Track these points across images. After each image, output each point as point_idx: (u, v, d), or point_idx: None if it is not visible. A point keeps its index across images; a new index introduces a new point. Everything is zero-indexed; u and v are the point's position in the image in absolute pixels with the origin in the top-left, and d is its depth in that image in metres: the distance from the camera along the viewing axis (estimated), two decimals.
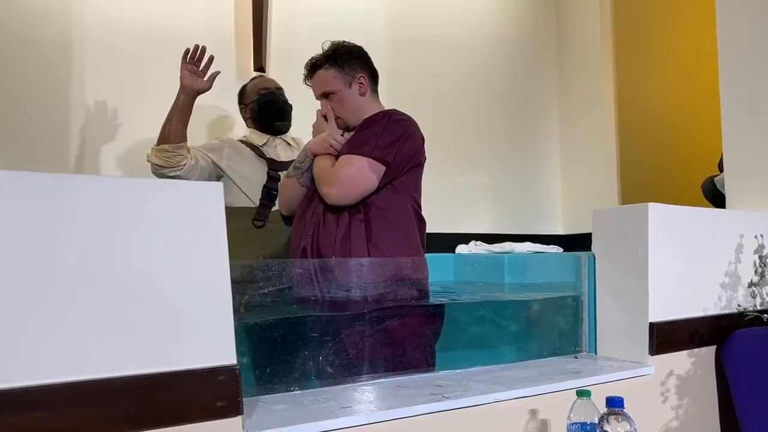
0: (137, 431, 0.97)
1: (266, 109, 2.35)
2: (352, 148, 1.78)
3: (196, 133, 2.78)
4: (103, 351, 0.96)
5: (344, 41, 1.94)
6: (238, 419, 1.07)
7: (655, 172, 4.01)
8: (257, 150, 2.32)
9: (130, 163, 2.65)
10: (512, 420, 1.41)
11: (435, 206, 3.12)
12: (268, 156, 2.31)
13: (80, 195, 0.97)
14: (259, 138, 2.36)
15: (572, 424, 1.25)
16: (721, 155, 2.96)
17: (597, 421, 1.20)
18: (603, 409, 1.21)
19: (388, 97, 3.26)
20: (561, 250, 3.08)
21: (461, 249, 2.83)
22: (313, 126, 1.95)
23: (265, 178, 2.26)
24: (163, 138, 2.15)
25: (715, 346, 1.84)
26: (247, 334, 1.42)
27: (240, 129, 2.86)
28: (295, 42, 3.06)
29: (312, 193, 1.87)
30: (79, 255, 0.95)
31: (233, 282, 1.09)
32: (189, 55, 2.16)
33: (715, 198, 3.22)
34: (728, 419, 1.82)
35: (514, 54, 3.89)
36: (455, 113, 3.56)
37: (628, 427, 1.16)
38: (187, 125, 2.19)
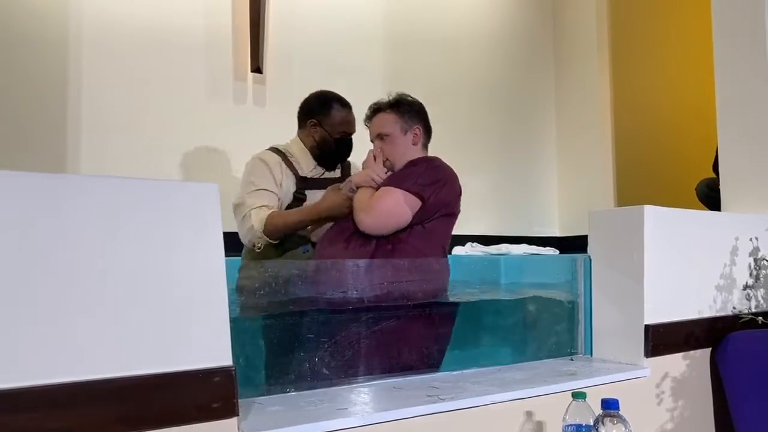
0: None
1: (338, 153, 2.18)
2: (391, 181, 1.86)
3: (192, 131, 2.79)
4: (98, 352, 0.96)
5: (408, 95, 2.05)
6: (233, 420, 1.07)
7: (651, 175, 4.03)
8: (291, 165, 2.14)
9: (127, 162, 2.65)
10: (508, 422, 1.41)
11: None
12: (300, 174, 2.15)
13: (76, 195, 0.96)
14: (305, 159, 2.17)
15: (568, 425, 1.25)
16: (715, 157, 2.98)
17: (592, 423, 1.21)
18: (598, 411, 1.21)
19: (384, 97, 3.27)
20: (557, 252, 3.09)
21: (458, 250, 2.84)
22: (363, 162, 2.02)
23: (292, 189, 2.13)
24: (275, 230, 1.97)
25: (710, 348, 1.85)
26: (243, 335, 1.42)
27: (234, 131, 2.86)
28: (293, 42, 3.06)
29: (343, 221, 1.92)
30: (75, 255, 0.95)
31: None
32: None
33: (710, 200, 3.24)
34: (723, 421, 1.82)
35: (511, 56, 3.89)
36: (452, 115, 3.56)
37: (624, 429, 1.16)
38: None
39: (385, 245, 1.81)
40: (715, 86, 2.33)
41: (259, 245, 1.96)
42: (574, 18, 4.00)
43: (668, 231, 1.77)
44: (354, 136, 2.20)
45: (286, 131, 2.69)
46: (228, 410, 1.06)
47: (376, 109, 2.00)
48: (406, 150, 1.97)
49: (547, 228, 3.93)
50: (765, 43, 2.15)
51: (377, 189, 1.86)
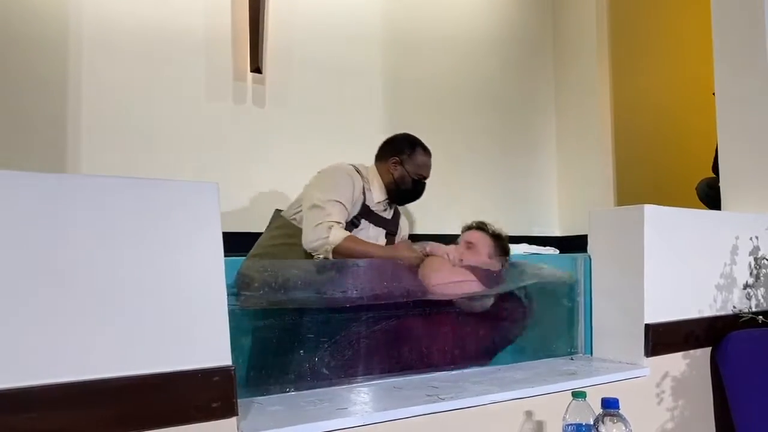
0: None
1: (412, 193, 2.32)
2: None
3: (191, 131, 2.79)
4: (97, 352, 0.96)
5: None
6: (233, 420, 1.06)
7: (651, 174, 4.03)
8: (364, 192, 2.22)
9: (127, 162, 2.65)
10: (508, 421, 1.41)
11: (431, 208, 3.13)
12: (367, 203, 2.22)
13: (75, 194, 0.96)
14: (377, 191, 2.26)
15: (568, 425, 1.25)
16: (715, 157, 2.98)
17: (592, 423, 1.20)
18: (598, 411, 1.21)
19: (384, 98, 3.28)
20: (557, 251, 3.09)
21: None
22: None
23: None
24: (347, 253, 1.98)
25: (711, 347, 1.85)
26: (243, 335, 1.42)
27: (234, 131, 2.86)
28: (292, 42, 3.06)
29: None
30: (74, 255, 0.95)
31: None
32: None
33: (710, 199, 3.24)
34: (723, 420, 1.82)
35: (511, 56, 3.89)
36: (451, 115, 3.56)
37: (624, 428, 1.16)
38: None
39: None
40: (714, 87, 2.33)
41: (322, 256, 1.98)
42: (574, 17, 4.00)
43: (668, 230, 1.77)
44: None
45: (285, 130, 2.69)
46: (227, 410, 1.06)
47: (479, 227, 2.04)
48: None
49: (547, 228, 3.93)
50: (765, 42, 2.15)
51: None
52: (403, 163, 2.27)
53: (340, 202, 2.05)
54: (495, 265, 1.97)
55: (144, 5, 2.73)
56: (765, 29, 2.15)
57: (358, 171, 2.20)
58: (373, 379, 1.53)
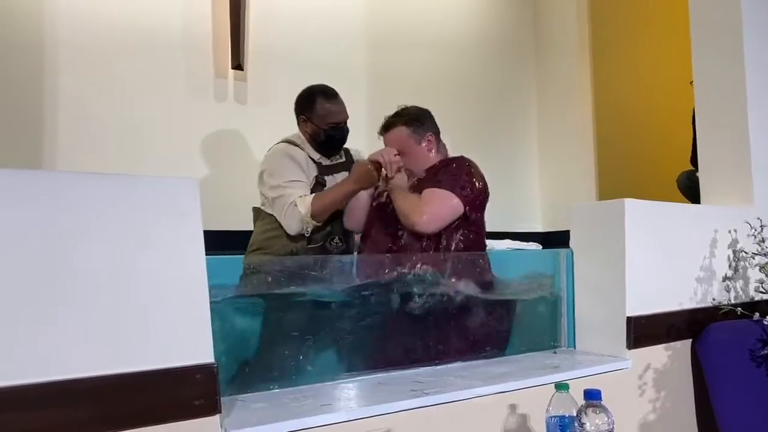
0: (114, 431, 0.95)
1: (330, 142, 2.27)
2: (434, 184, 1.96)
3: (172, 128, 2.76)
4: (76, 350, 0.94)
5: (411, 106, 2.16)
6: (216, 418, 1.06)
7: (633, 169, 4.07)
8: (310, 156, 2.28)
9: (107, 161, 2.61)
10: (492, 415, 1.41)
11: None
12: (323, 163, 2.29)
13: (49, 191, 0.95)
14: (311, 151, 2.29)
15: (551, 417, 1.26)
16: (693, 149, 3.03)
17: (575, 414, 1.21)
18: (581, 403, 1.22)
19: (367, 96, 3.27)
20: (540, 247, 3.11)
21: None
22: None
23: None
24: (323, 210, 2.09)
25: (691, 339, 1.87)
26: (225, 331, 1.41)
27: (215, 128, 2.84)
28: (274, 39, 3.04)
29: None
30: (50, 252, 0.93)
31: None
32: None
33: (690, 191, 3.27)
34: (704, 410, 1.84)
35: (493, 53, 3.91)
36: (433, 112, 3.55)
37: (606, 419, 1.17)
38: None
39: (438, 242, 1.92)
40: (693, 81, 2.36)
41: (308, 230, 2.09)
42: (555, 16, 4.02)
43: (649, 224, 1.79)
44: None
45: (267, 128, 2.67)
46: (210, 407, 1.05)
47: (386, 127, 2.10)
48: (425, 159, 2.08)
49: (529, 224, 3.95)
50: (741, 38, 2.18)
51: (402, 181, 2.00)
52: (310, 119, 2.24)
53: (293, 180, 2.14)
54: (431, 143, 2.07)
55: (123, 2, 2.69)
56: (742, 24, 2.17)
57: (291, 142, 2.25)
58: (358, 376, 1.53)
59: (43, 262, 0.93)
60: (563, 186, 3.91)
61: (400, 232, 1.97)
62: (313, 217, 2.07)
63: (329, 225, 2.18)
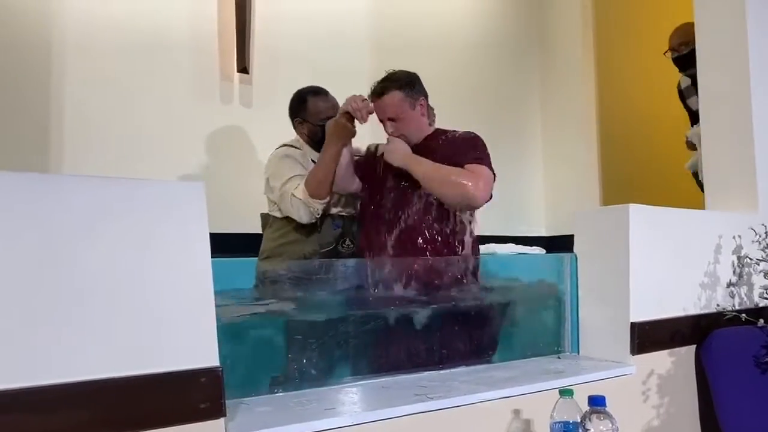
0: None
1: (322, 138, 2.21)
2: (467, 158, 1.97)
3: (178, 131, 2.77)
4: (83, 353, 0.95)
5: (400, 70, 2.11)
6: (221, 421, 1.06)
7: (637, 172, 4.06)
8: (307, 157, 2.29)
9: (113, 164, 2.62)
10: (496, 420, 1.41)
11: None
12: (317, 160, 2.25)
13: (58, 195, 0.95)
14: (311, 153, 2.29)
15: (555, 423, 1.26)
16: (686, 135, 3.10)
17: (579, 420, 1.21)
18: (585, 408, 1.22)
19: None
20: (544, 251, 3.10)
21: None
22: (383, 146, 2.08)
23: None
24: (316, 185, 2.06)
25: (695, 345, 1.86)
26: (231, 335, 1.41)
27: (221, 131, 2.85)
28: (279, 42, 3.05)
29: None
30: (57, 256, 0.94)
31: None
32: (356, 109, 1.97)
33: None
34: (708, 417, 1.84)
35: (497, 56, 3.91)
36: (437, 115, 3.56)
37: (610, 425, 1.17)
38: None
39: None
40: (698, 85, 2.36)
41: (318, 211, 2.08)
42: (559, 18, 4.02)
43: (653, 229, 1.79)
44: None
45: (272, 131, 2.68)
46: (215, 411, 1.05)
47: (379, 92, 2.03)
48: (420, 124, 2.07)
49: (533, 227, 3.95)
50: (746, 43, 2.17)
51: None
52: (305, 119, 2.27)
53: (292, 177, 2.13)
54: (423, 107, 2.06)
55: (129, 5, 2.71)
56: (747, 29, 2.17)
57: (289, 145, 2.27)
58: (362, 379, 1.53)
59: (49, 265, 0.93)
60: (567, 190, 3.91)
61: (406, 212, 1.95)
62: (313, 196, 2.05)
63: (341, 228, 2.18)
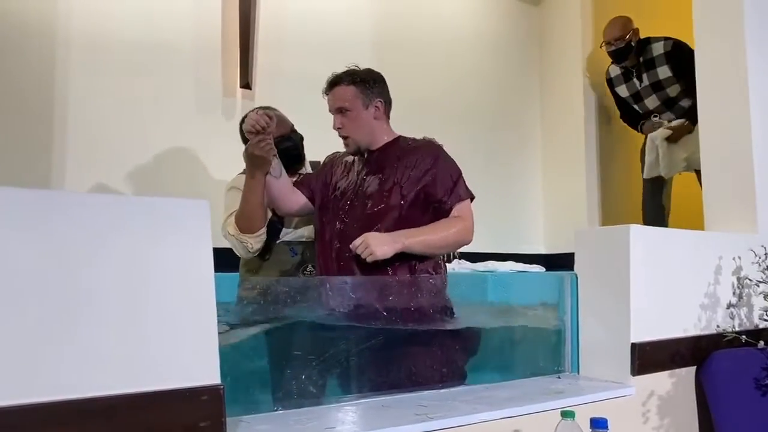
0: None
1: (283, 156, 2.06)
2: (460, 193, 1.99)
3: (181, 147, 2.78)
4: (83, 370, 0.95)
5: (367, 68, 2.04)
6: None
7: (637, 191, 4.07)
8: None
9: (115, 179, 2.63)
10: None
11: None
12: None
13: (61, 211, 0.96)
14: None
15: None
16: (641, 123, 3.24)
17: None
18: (587, 430, 1.21)
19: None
20: (543, 269, 3.10)
21: None
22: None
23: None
24: (243, 218, 1.97)
25: (695, 366, 1.86)
26: (231, 353, 1.41)
27: (223, 146, 2.86)
28: (281, 58, 3.07)
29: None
30: (60, 273, 0.94)
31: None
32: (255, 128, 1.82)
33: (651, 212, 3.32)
34: None
35: (497, 72, 3.94)
36: (437, 133, 3.56)
37: None
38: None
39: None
40: (697, 106, 2.38)
41: (252, 247, 1.97)
42: (561, 33, 4.06)
43: (654, 250, 1.79)
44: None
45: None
46: (216, 429, 1.04)
47: (334, 82, 1.96)
48: (370, 127, 1.96)
49: (532, 245, 3.95)
50: (746, 64, 2.19)
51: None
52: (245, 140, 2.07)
53: (233, 212, 2.01)
54: (378, 111, 1.96)
55: (133, 20, 2.73)
56: (746, 49, 2.19)
57: (243, 172, 2.09)
58: (362, 398, 1.53)
59: (53, 282, 0.93)
60: (567, 208, 3.92)
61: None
62: (244, 232, 1.94)
63: (299, 255, 2.10)
